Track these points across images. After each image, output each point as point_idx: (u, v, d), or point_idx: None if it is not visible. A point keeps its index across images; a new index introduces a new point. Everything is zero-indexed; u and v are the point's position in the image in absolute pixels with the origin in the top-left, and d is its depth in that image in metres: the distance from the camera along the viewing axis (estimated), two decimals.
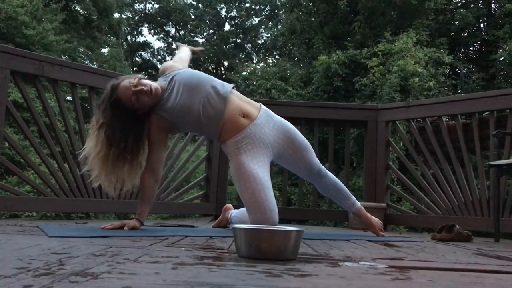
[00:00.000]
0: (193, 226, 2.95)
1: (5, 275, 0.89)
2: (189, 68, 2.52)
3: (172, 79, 2.42)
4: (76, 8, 19.05)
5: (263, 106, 2.57)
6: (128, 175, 2.34)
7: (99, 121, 2.29)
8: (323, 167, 2.66)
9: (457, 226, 2.76)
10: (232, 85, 2.49)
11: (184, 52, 2.95)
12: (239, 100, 2.45)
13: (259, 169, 2.35)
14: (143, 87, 2.28)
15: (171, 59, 2.88)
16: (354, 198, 2.73)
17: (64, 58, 14.12)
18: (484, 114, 3.73)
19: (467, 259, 1.65)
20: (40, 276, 0.89)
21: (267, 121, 2.48)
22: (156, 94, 2.33)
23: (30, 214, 5.04)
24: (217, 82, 2.45)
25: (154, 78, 2.92)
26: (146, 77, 2.47)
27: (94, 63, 18.25)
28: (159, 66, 27.32)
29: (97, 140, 2.27)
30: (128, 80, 2.32)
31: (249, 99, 2.56)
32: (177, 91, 2.35)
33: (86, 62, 17.54)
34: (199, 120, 2.35)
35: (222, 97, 2.36)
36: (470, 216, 3.60)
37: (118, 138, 2.28)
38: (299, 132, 2.61)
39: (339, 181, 2.71)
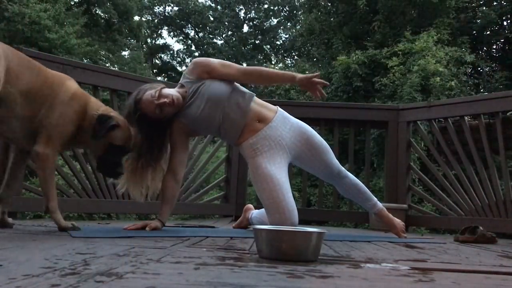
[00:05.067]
0: (213, 227, 2.97)
1: (33, 274, 0.91)
2: (217, 81, 2.47)
3: (197, 89, 2.41)
4: (97, 12, 19.33)
5: (280, 109, 2.57)
6: (153, 180, 2.39)
7: None
8: (343, 168, 2.65)
9: (481, 228, 2.71)
10: (253, 95, 2.49)
11: None
12: (257, 107, 2.47)
13: (276, 170, 2.36)
14: (165, 99, 2.30)
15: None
16: (375, 199, 2.71)
17: (85, 61, 14.34)
18: (508, 114, 3.66)
19: (491, 261, 1.62)
20: (67, 276, 0.91)
21: (284, 123, 2.49)
22: (178, 104, 2.35)
23: None
24: (239, 92, 2.46)
25: (174, 80, 2.91)
26: (165, 85, 2.47)
27: (115, 65, 18.48)
28: (179, 68, 27.59)
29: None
30: (149, 93, 2.33)
31: (266, 103, 2.56)
32: (200, 103, 2.38)
33: (107, 65, 17.76)
34: (219, 129, 2.43)
35: (243, 111, 2.40)
36: (494, 218, 3.54)
37: (145, 149, 2.35)
38: (317, 134, 2.60)
39: (360, 182, 2.70)
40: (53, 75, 2.09)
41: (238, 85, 2.53)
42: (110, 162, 2.10)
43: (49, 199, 2.02)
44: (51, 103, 1.99)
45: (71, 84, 2.11)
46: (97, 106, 2.13)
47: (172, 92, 2.38)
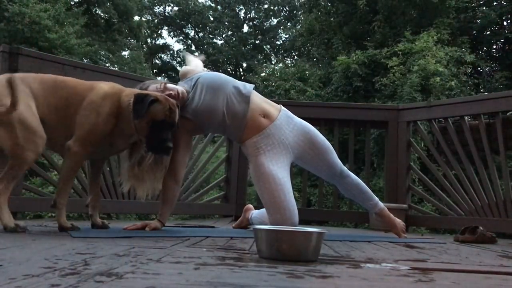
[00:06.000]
0: (213, 227, 2.97)
1: (33, 274, 0.91)
2: (211, 71, 2.56)
3: (195, 81, 2.45)
4: (97, 12, 19.34)
5: (283, 107, 2.58)
6: (154, 179, 2.38)
7: None
8: (345, 168, 2.65)
9: (481, 228, 2.72)
10: (252, 85, 2.51)
11: (197, 61, 2.95)
12: (259, 100, 2.48)
13: (279, 170, 2.36)
14: (171, 91, 2.32)
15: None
16: (376, 198, 2.71)
17: (85, 61, 14.34)
18: (508, 114, 3.66)
19: (491, 261, 1.62)
20: (67, 276, 0.91)
21: (287, 122, 2.49)
22: (182, 98, 2.37)
23: (53, 214, 5.12)
24: (239, 82, 2.50)
25: (174, 80, 2.92)
26: (168, 81, 2.50)
27: (115, 65, 18.48)
28: (178, 68, 27.58)
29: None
30: (154, 86, 2.36)
31: (269, 100, 2.58)
32: (201, 92, 2.39)
33: (107, 65, 17.76)
34: (224, 119, 2.39)
35: (245, 96, 2.40)
36: (494, 218, 3.54)
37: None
38: (320, 134, 2.61)
39: (362, 181, 2.70)
40: (80, 83, 2.17)
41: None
42: (158, 139, 2.12)
43: (61, 195, 2.07)
44: (84, 107, 2.08)
45: (102, 86, 2.17)
46: (130, 95, 2.15)
47: (177, 86, 2.40)
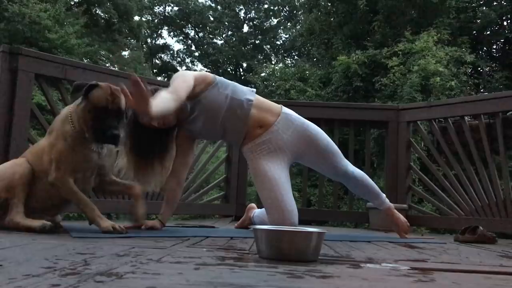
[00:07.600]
0: (213, 227, 2.97)
1: (33, 274, 0.91)
2: (210, 96, 2.40)
3: (193, 107, 2.39)
4: (97, 12, 19.33)
5: (284, 109, 2.53)
6: (161, 176, 2.41)
7: (127, 144, 2.36)
8: (351, 169, 2.64)
9: (481, 228, 2.72)
10: (251, 100, 2.43)
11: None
12: (258, 112, 2.43)
13: (276, 171, 2.37)
14: (155, 124, 2.32)
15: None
16: (383, 196, 2.73)
17: (85, 61, 14.33)
18: (508, 114, 3.66)
19: (491, 261, 1.62)
20: (67, 276, 0.91)
21: (287, 126, 2.46)
22: (167, 124, 2.38)
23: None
24: (236, 102, 2.38)
25: None
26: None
27: (115, 65, 18.48)
28: (179, 68, 27.57)
29: (127, 157, 2.34)
30: None
31: (269, 105, 2.52)
32: (199, 120, 2.40)
33: (107, 65, 17.74)
34: (222, 136, 2.54)
35: (242, 120, 2.40)
36: (494, 218, 3.54)
37: (145, 149, 2.37)
38: (323, 135, 2.57)
39: (369, 180, 2.70)
40: None
41: (237, 89, 2.43)
42: (102, 127, 1.97)
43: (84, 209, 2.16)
44: None
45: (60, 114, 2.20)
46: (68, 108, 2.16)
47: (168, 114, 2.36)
